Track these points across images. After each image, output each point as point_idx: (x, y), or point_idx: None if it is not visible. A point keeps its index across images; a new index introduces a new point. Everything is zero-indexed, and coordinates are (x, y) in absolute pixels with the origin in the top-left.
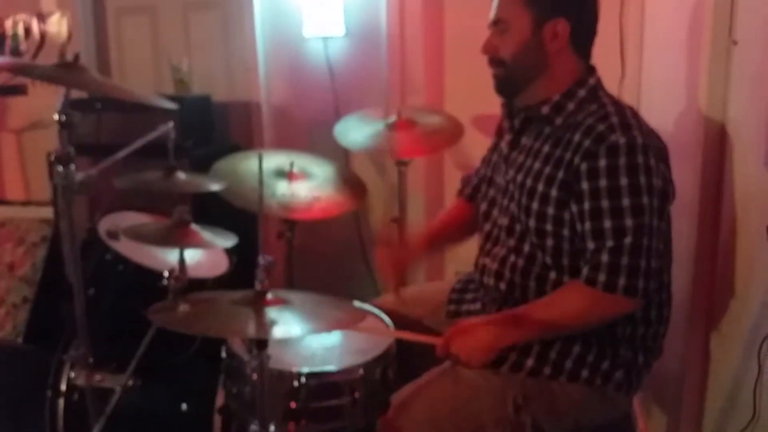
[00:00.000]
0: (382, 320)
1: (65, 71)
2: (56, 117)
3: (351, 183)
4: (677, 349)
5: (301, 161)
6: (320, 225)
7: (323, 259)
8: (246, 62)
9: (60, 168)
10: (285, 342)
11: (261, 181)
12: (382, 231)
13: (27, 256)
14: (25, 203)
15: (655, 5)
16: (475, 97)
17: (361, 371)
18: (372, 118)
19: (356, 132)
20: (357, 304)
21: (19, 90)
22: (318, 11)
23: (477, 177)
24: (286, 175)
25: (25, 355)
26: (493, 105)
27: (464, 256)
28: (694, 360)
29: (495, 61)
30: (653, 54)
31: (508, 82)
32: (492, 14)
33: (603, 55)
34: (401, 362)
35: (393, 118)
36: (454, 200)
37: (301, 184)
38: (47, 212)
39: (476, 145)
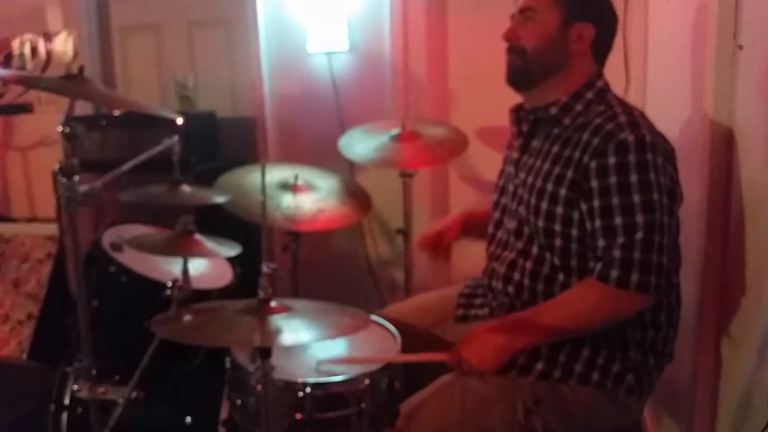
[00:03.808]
0: (390, 332)
1: (69, 83)
2: (60, 129)
3: (355, 195)
4: (688, 355)
5: (306, 174)
6: (325, 237)
7: (328, 271)
8: (250, 78)
9: (64, 179)
10: (290, 352)
11: (263, 190)
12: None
13: (32, 273)
14: (31, 220)
15: (657, 12)
16: (479, 110)
17: (367, 381)
18: (376, 131)
19: (360, 144)
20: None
21: (25, 108)
22: (322, 27)
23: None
24: (291, 187)
25: (29, 371)
26: (497, 117)
27: (471, 265)
28: (705, 366)
29: (515, 50)
30: (657, 61)
31: (524, 73)
32: (519, 2)
33: (607, 63)
34: (408, 371)
35: (397, 130)
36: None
37: (306, 196)
38: (52, 229)
39: (481, 157)
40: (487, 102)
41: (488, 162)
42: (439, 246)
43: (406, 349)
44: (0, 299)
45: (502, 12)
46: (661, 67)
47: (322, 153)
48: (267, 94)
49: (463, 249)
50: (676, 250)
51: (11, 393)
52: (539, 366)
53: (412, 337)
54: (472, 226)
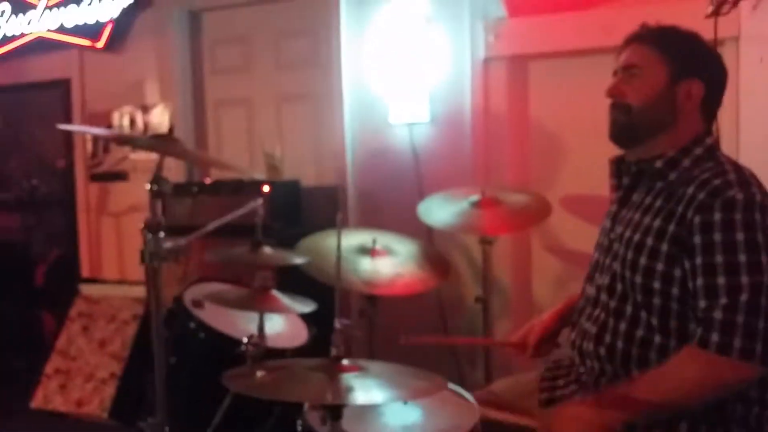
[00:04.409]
0: (467, 401)
1: (159, 141)
2: (147, 186)
3: (434, 260)
4: None
5: (384, 239)
6: (403, 303)
7: None
8: (334, 149)
9: (149, 235)
10: (362, 418)
11: (339, 246)
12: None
13: (117, 333)
14: (120, 282)
15: (750, 78)
16: (562, 178)
17: None
18: (456, 197)
19: (440, 210)
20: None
21: (120, 176)
22: (404, 100)
23: None
24: (369, 252)
25: (109, 430)
26: (581, 185)
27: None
28: None
29: (619, 107)
30: (751, 128)
31: (628, 130)
32: (623, 59)
33: None
34: None
35: (477, 197)
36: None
37: (384, 260)
38: (140, 291)
39: (565, 226)
40: (571, 170)
41: (572, 231)
42: (528, 349)
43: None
44: (85, 358)
45: (583, 81)
46: (755, 129)
47: (401, 220)
48: (349, 164)
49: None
50: None
51: None
52: None
53: (496, 426)
54: (566, 317)
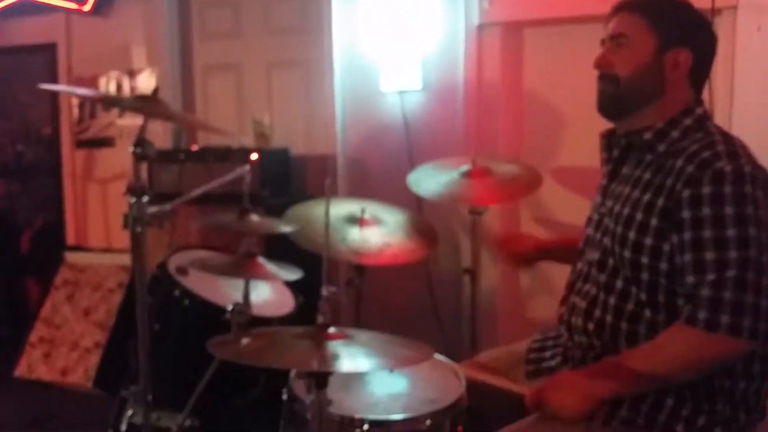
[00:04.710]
0: (453, 371)
1: (144, 103)
2: (131, 149)
3: (423, 230)
4: None
5: (373, 208)
6: (390, 273)
7: (392, 308)
8: (324, 117)
9: (133, 199)
10: (348, 387)
11: (327, 211)
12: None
13: (103, 302)
14: (106, 250)
15: (746, 47)
16: (554, 149)
17: (428, 422)
18: (446, 167)
19: (430, 180)
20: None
21: (107, 142)
22: (395, 67)
23: None
24: (357, 221)
25: (94, 399)
26: (573, 157)
27: (536, 300)
28: None
29: (607, 77)
30: (745, 97)
31: (616, 101)
32: (611, 28)
33: None
34: (473, 416)
35: (467, 166)
36: None
37: (372, 230)
38: (126, 259)
39: (555, 198)
40: (563, 141)
41: (562, 203)
42: (514, 247)
43: (475, 405)
44: (70, 326)
45: (579, 49)
46: (749, 99)
47: (391, 189)
48: (339, 132)
49: (532, 290)
50: None
51: (76, 420)
52: (622, 413)
53: (482, 393)
54: (556, 250)
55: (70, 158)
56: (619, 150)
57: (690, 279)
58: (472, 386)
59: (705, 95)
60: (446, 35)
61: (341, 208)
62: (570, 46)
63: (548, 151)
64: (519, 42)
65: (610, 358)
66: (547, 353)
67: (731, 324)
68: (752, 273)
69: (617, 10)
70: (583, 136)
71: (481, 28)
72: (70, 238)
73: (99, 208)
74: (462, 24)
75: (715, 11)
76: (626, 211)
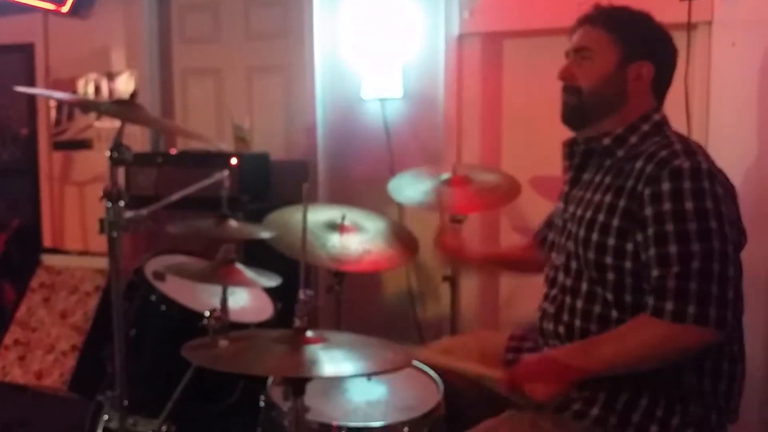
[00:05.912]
0: (432, 378)
1: (122, 107)
2: (108, 153)
3: (403, 238)
4: (754, 417)
5: (353, 215)
6: (370, 280)
7: (372, 315)
8: (305, 123)
9: (109, 204)
10: (326, 394)
11: (305, 216)
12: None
13: (79, 305)
14: (83, 253)
15: (721, 62)
16: (533, 159)
17: (406, 429)
18: (426, 175)
19: (410, 188)
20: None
21: (84, 145)
22: (376, 74)
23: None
24: (338, 227)
25: (69, 402)
26: (552, 167)
27: (519, 312)
28: None
29: (570, 89)
30: (721, 106)
31: (579, 112)
32: (575, 40)
33: (669, 109)
34: (450, 423)
35: (448, 175)
36: None
37: (353, 237)
38: (103, 263)
39: (534, 205)
40: (542, 151)
41: (541, 212)
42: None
43: (450, 390)
44: (46, 330)
45: (557, 61)
46: (725, 113)
47: (372, 197)
48: (320, 138)
49: (511, 297)
50: (738, 296)
51: (51, 424)
52: (595, 411)
53: (458, 377)
54: (490, 259)
55: (47, 160)
56: (579, 157)
57: (655, 272)
58: (452, 371)
59: (682, 109)
60: (427, 44)
61: (321, 214)
62: (548, 57)
63: (527, 160)
64: (498, 52)
65: (580, 341)
66: (527, 344)
67: (697, 314)
68: (717, 264)
69: (581, 23)
70: (558, 146)
71: (461, 38)
72: (47, 241)
73: (76, 210)
74: (442, 34)
75: (691, 26)
76: (588, 214)
